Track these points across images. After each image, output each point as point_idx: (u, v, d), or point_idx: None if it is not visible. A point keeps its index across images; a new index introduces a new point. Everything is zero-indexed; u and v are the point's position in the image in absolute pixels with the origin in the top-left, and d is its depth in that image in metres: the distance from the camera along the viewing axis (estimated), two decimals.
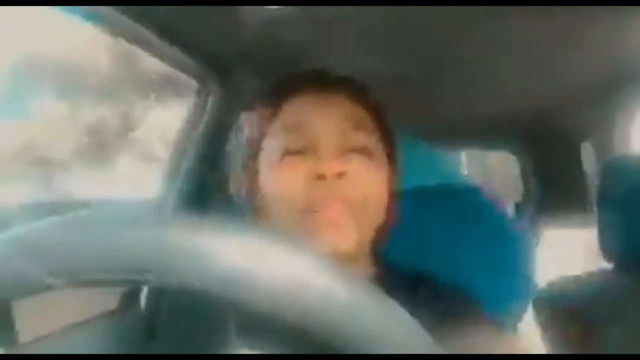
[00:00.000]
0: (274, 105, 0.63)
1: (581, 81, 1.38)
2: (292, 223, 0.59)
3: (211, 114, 1.19)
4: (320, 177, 0.56)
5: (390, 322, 0.28)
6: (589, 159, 1.80)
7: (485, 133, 2.03)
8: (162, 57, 1.05)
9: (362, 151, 0.60)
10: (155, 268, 0.26)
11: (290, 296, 0.26)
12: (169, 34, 0.93)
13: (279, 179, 0.60)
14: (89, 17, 0.83)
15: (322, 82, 0.64)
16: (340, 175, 0.57)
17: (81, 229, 0.28)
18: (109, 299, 0.71)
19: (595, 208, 1.01)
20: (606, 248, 0.96)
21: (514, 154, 2.16)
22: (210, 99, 1.16)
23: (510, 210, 2.04)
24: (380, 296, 0.29)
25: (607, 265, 0.98)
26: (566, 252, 1.40)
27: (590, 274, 0.99)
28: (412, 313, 0.58)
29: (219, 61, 1.11)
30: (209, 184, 1.28)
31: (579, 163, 1.83)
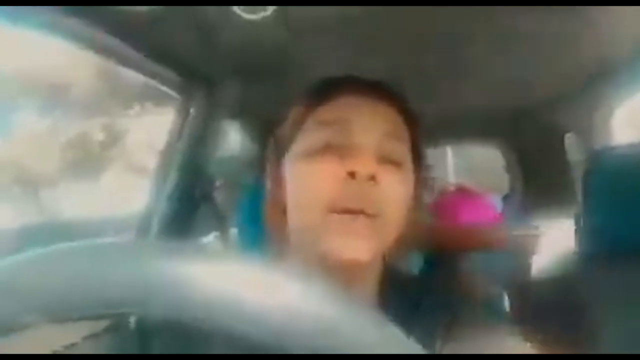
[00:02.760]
0: (314, 101, 0.63)
1: (563, 74, 1.39)
2: (311, 222, 0.57)
3: (194, 123, 1.18)
4: (352, 174, 0.55)
5: (386, 346, 0.27)
6: (573, 149, 1.81)
7: (470, 127, 2.04)
8: (142, 71, 1.04)
9: (394, 162, 0.59)
10: (136, 302, 0.26)
11: (276, 323, 0.25)
12: (147, 47, 0.92)
13: (310, 171, 0.59)
14: (67, 36, 0.82)
15: (364, 85, 0.63)
16: (372, 178, 0.56)
17: (59, 264, 0.27)
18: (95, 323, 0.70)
19: (580, 198, 1.02)
20: (591, 237, 0.97)
21: (499, 147, 2.18)
22: (193, 109, 1.16)
23: (497, 204, 2.06)
24: (375, 319, 0.28)
25: (593, 257, 0.99)
26: (553, 244, 1.41)
27: (577, 266, 1.00)
28: (416, 321, 0.59)
29: (199, 72, 1.11)
30: (195, 193, 1.27)
31: (563, 154, 1.85)
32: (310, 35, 0.98)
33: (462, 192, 1.88)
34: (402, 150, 0.61)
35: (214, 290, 0.26)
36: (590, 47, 1.18)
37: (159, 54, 0.97)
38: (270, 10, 0.71)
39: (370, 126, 0.59)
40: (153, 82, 1.15)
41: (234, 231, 1.46)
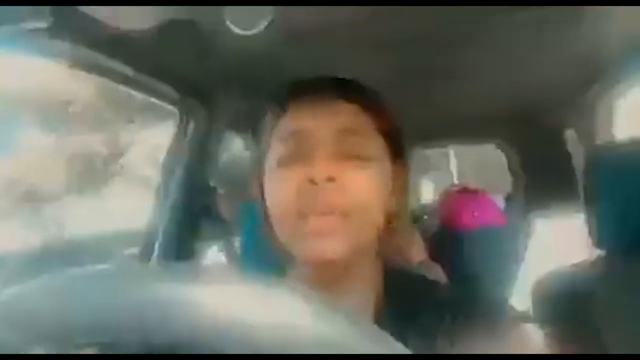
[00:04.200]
0: (276, 113, 0.64)
1: (562, 72, 1.39)
2: (287, 229, 0.60)
3: (194, 136, 1.19)
4: (311, 181, 0.57)
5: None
6: (574, 146, 1.81)
7: (472, 128, 2.04)
8: (139, 88, 1.05)
9: (359, 158, 0.60)
10: (138, 328, 0.26)
11: (279, 342, 0.26)
12: (143, 65, 0.93)
13: (276, 185, 0.61)
14: (63, 59, 0.83)
15: (321, 87, 0.64)
16: (331, 180, 0.57)
17: (59, 292, 0.27)
18: None
19: (583, 195, 1.02)
20: (596, 235, 0.97)
21: (501, 147, 2.18)
22: (192, 123, 1.17)
23: (500, 203, 2.05)
24: (375, 334, 0.28)
25: (599, 253, 0.99)
26: (558, 241, 1.40)
27: (582, 262, 0.99)
28: (417, 315, 0.59)
29: (196, 87, 1.11)
30: (198, 206, 1.28)
31: (565, 151, 1.85)
32: (303, 47, 0.99)
33: (466, 193, 1.88)
34: (367, 144, 0.61)
35: (216, 315, 0.26)
36: (589, 45, 1.18)
37: (156, 71, 0.98)
38: (262, 26, 0.72)
39: (324, 127, 0.60)
40: (152, 99, 1.16)
41: (237, 240, 1.47)
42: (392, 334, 0.28)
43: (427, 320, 0.59)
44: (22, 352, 0.26)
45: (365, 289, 0.63)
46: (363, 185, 0.59)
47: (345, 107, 0.62)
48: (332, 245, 0.56)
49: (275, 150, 0.62)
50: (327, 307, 0.27)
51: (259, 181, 0.65)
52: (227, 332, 0.26)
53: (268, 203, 0.62)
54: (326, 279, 0.60)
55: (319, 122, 0.61)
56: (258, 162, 0.66)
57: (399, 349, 0.27)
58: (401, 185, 0.66)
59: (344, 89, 0.64)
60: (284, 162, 0.60)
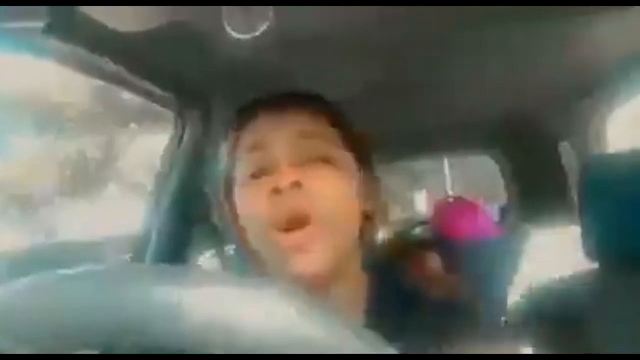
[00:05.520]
0: (238, 130, 0.64)
1: (557, 83, 1.40)
2: (263, 246, 0.60)
3: (190, 141, 1.18)
4: (276, 191, 0.56)
5: None
6: (568, 159, 1.82)
7: (466, 138, 2.05)
8: (137, 91, 1.05)
9: (323, 160, 0.60)
10: (133, 329, 0.25)
11: (272, 347, 0.25)
12: (141, 68, 0.92)
13: (246, 201, 0.61)
14: (60, 60, 0.82)
15: (276, 101, 0.65)
16: (295, 186, 0.56)
17: (52, 293, 0.27)
18: None
19: (578, 207, 1.02)
20: (590, 247, 0.97)
21: (495, 158, 2.18)
22: (188, 128, 1.16)
23: (495, 214, 2.06)
24: (370, 341, 0.27)
25: (593, 265, 0.98)
26: (552, 253, 1.40)
27: (577, 274, 0.99)
28: (405, 326, 0.58)
29: (193, 91, 1.11)
30: (192, 212, 1.27)
31: (559, 163, 1.85)
32: (303, 51, 0.99)
33: (460, 204, 1.89)
34: (328, 147, 0.61)
35: (210, 316, 0.25)
36: (583, 56, 1.19)
37: (153, 74, 0.98)
38: (260, 30, 0.72)
39: (283, 135, 0.60)
40: (148, 102, 1.16)
41: (230, 248, 1.45)
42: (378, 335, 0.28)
43: (419, 324, 0.59)
44: (9, 353, 0.25)
45: (351, 293, 0.62)
46: (329, 186, 0.59)
47: (302, 113, 0.63)
48: (313, 259, 0.56)
49: (241, 167, 0.62)
50: (314, 309, 0.27)
51: (229, 203, 0.65)
52: (213, 333, 0.25)
53: (242, 222, 0.62)
54: (311, 289, 0.59)
55: (278, 131, 0.61)
56: (225, 184, 0.66)
57: (387, 349, 0.27)
58: (373, 187, 0.66)
59: (304, 99, 0.65)
60: (250, 178, 0.60)
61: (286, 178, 0.57)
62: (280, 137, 0.61)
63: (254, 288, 0.27)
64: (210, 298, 0.26)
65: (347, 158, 0.63)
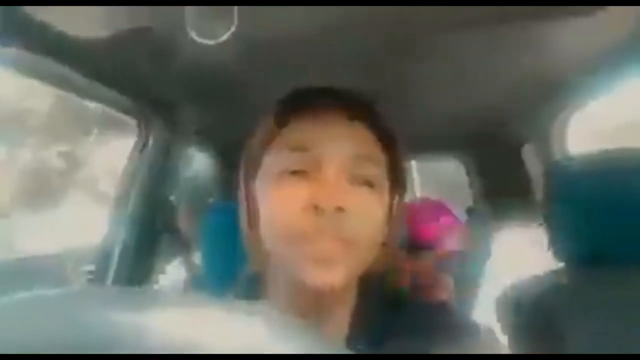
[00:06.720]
0: (281, 119, 0.59)
1: (518, 88, 1.43)
2: (282, 249, 0.56)
3: (153, 149, 1.16)
4: (318, 210, 0.53)
5: None
6: (532, 161, 1.86)
7: (431, 142, 2.07)
8: (97, 99, 1.02)
9: (367, 184, 0.57)
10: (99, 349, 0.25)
11: None
12: (101, 75, 0.90)
13: (276, 200, 0.56)
14: (20, 68, 0.79)
15: (335, 99, 0.60)
16: (339, 210, 0.53)
17: (10, 318, 0.26)
18: None
19: (542, 208, 1.04)
20: (555, 247, 0.99)
21: (460, 161, 2.22)
22: (151, 135, 1.14)
23: (462, 215, 2.08)
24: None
25: (558, 264, 1.01)
26: (518, 253, 1.43)
27: (543, 273, 1.01)
28: (391, 337, 0.58)
29: (155, 97, 1.09)
30: (158, 220, 1.25)
31: (523, 165, 1.90)
32: (266, 57, 0.98)
33: (426, 204, 1.90)
34: (376, 171, 0.58)
35: (174, 339, 0.25)
36: (545, 60, 1.21)
37: (114, 80, 0.95)
38: (225, 35, 0.70)
39: (337, 149, 0.56)
40: (110, 109, 1.13)
41: (197, 256, 1.43)
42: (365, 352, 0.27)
43: (404, 333, 0.59)
44: None
45: (342, 308, 0.62)
46: (368, 212, 0.56)
47: (359, 128, 0.59)
48: (335, 274, 0.54)
49: (276, 161, 0.58)
50: (292, 330, 0.26)
51: (246, 188, 0.61)
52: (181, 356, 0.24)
53: (263, 213, 0.58)
54: (310, 303, 0.57)
55: (333, 143, 0.57)
56: (247, 171, 0.62)
57: None
58: (399, 213, 0.64)
59: (356, 103, 0.61)
60: (288, 176, 0.56)
61: (332, 199, 0.53)
62: (334, 146, 0.56)
63: (218, 309, 0.27)
64: (175, 320, 0.25)
65: (384, 179, 0.60)
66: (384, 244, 0.60)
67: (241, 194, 0.63)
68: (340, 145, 0.57)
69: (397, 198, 0.63)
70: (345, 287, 0.57)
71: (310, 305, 0.58)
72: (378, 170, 0.59)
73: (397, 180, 0.62)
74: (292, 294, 0.59)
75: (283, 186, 0.56)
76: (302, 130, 0.58)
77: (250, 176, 0.61)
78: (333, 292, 0.55)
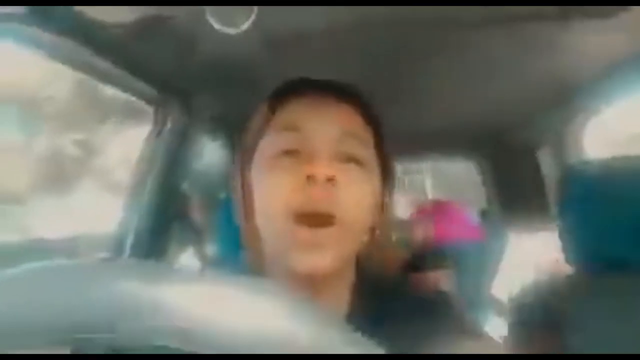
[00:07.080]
0: (274, 104, 0.63)
1: (535, 91, 1.42)
2: (276, 232, 0.58)
3: (170, 138, 1.17)
4: (310, 178, 0.55)
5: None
6: (547, 164, 1.85)
7: (446, 144, 2.07)
8: (118, 85, 1.03)
9: (356, 161, 0.59)
10: (106, 326, 0.25)
11: (251, 345, 0.25)
12: (123, 61, 0.91)
13: (269, 179, 0.59)
14: (42, 50, 0.80)
15: (320, 86, 0.64)
16: (330, 180, 0.55)
17: (23, 286, 0.26)
18: None
19: (555, 212, 1.03)
20: (568, 252, 0.98)
21: (475, 163, 2.21)
22: (168, 123, 1.15)
23: (475, 217, 2.08)
24: (349, 337, 0.27)
25: (571, 268, 1.00)
26: (531, 256, 1.42)
27: (555, 277, 1.00)
28: (390, 320, 0.58)
29: (175, 85, 1.10)
30: (171, 209, 1.26)
31: (537, 169, 1.88)
32: (284, 49, 0.98)
33: (439, 206, 1.90)
34: (363, 149, 0.61)
35: (185, 314, 0.25)
36: (561, 63, 1.21)
37: (135, 67, 0.96)
38: (246, 25, 0.71)
39: (326, 127, 0.59)
40: (129, 96, 1.14)
41: (210, 246, 1.44)
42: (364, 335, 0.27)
43: (400, 323, 0.59)
44: None
45: (338, 294, 0.63)
46: (358, 190, 0.58)
47: (347, 110, 0.62)
48: (324, 258, 0.55)
49: (270, 143, 0.60)
50: (299, 306, 0.26)
51: (242, 177, 0.63)
52: (195, 332, 0.24)
53: (257, 199, 0.60)
54: (303, 286, 0.58)
55: (322, 121, 0.60)
56: (243, 160, 0.64)
57: (373, 349, 0.27)
58: (387, 195, 0.65)
59: (345, 91, 0.64)
60: (281, 156, 0.59)
61: (324, 170, 0.55)
62: (324, 126, 0.59)
63: (229, 286, 0.27)
64: (187, 296, 0.25)
65: (373, 161, 0.62)
66: (374, 229, 0.63)
67: (237, 184, 0.65)
68: (329, 123, 0.60)
69: (388, 186, 0.65)
70: (338, 270, 0.58)
71: (305, 291, 0.58)
72: (366, 151, 0.61)
73: (384, 163, 0.65)
74: (288, 283, 0.60)
75: (277, 166, 0.58)
76: (294, 112, 0.61)
77: (246, 164, 0.63)
78: (325, 276, 0.57)
